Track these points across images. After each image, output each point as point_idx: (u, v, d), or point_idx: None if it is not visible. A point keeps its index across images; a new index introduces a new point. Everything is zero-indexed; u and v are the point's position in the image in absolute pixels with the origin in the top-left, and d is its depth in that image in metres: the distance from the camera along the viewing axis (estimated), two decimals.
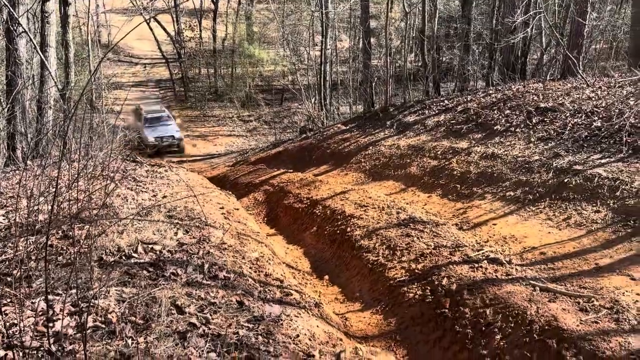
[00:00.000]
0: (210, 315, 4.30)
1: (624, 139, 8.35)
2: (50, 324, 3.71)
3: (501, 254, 6.62)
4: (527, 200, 8.12)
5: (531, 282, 5.54)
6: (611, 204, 7.04)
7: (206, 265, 5.27)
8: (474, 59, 17.63)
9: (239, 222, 7.99)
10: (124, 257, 5.15)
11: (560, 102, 10.94)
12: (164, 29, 29.27)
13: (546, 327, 4.70)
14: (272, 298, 5.07)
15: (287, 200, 10.94)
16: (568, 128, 9.60)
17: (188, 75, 29.92)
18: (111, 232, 5.58)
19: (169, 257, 5.37)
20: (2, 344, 3.46)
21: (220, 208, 8.37)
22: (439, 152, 11.31)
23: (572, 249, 6.46)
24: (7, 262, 4.62)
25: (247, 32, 30.90)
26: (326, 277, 7.49)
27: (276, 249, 8.12)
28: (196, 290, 4.69)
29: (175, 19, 28.89)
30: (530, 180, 8.50)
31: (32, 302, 4.00)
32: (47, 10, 9.79)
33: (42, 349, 3.49)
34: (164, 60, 30.52)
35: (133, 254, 5.23)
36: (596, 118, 9.52)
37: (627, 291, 5.20)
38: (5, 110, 8.89)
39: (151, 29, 28.33)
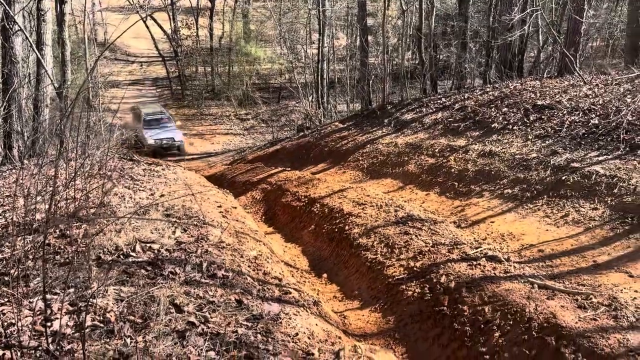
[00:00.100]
0: (209, 313, 4.29)
1: (621, 136, 8.37)
2: (48, 324, 3.69)
3: (499, 251, 6.62)
4: (524, 197, 8.13)
5: (529, 279, 5.55)
6: (609, 201, 7.06)
7: (205, 264, 5.25)
8: (471, 57, 17.63)
9: (237, 220, 7.97)
10: (122, 256, 5.13)
11: (558, 99, 10.95)
12: (161, 27, 29.16)
13: (545, 325, 4.71)
14: (270, 296, 5.06)
15: (285, 198, 10.93)
16: (565, 126, 9.61)
17: (185, 74, 29.82)
18: (109, 231, 5.56)
19: (167, 255, 5.35)
20: (0, 343, 3.45)
21: (218, 207, 8.36)
22: (436, 150, 11.31)
23: (570, 247, 6.47)
24: (4, 262, 4.60)
25: (244, 30, 30.82)
26: (325, 275, 7.49)
27: (274, 248, 8.11)
28: (195, 289, 4.68)
29: (171, 17, 28.78)
30: (528, 178, 8.51)
31: (29, 302, 3.98)
32: (43, 8, 9.74)
33: (40, 348, 3.47)
34: (160, 59, 30.41)
35: (131, 253, 5.22)
36: (593, 115, 9.53)
37: (625, 288, 5.21)
38: (2, 108, 8.85)
39: (147, 27, 28.21)
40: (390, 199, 9.37)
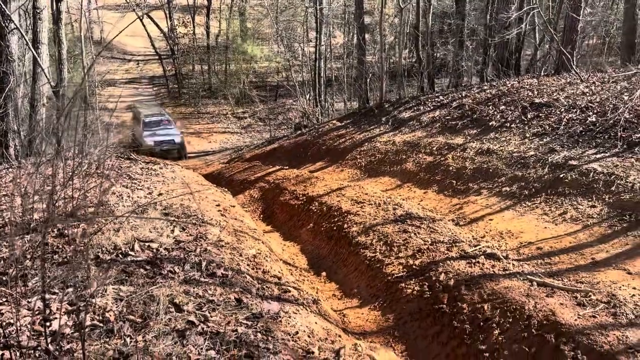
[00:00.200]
0: (209, 312, 4.27)
1: (619, 134, 8.39)
2: (47, 323, 3.67)
3: (498, 249, 6.64)
4: (523, 195, 8.14)
5: (528, 277, 5.56)
6: (607, 199, 7.07)
7: (204, 263, 5.24)
8: (468, 55, 17.65)
9: (235, 219, 7.96)
10: (120, 255, 5.11)
11: (555, 97, 10.97)
12: (157, 25, 29.07)
13: (544, 322, 4.72)
14: (270, 295, 5.05)
15: (283, 197, 10.92)
16: (563, 123, 9.63)
17: (181, 72, 29.75)
18: (107, 230, 5.54)
19: (166, 254, 5.33)
20: None
21: (217, 205, 8.34)
22: (434, 148, 11.32)
23: (569, 244, 6.49)
24: (2, 261, 4.57)
25: (241, 28, 30.75)
26: (323, 273, 7.48)
27: (273, 246, 8.10)
28: (194, 288, 4.66)
29: (168, 15, 28.69)
30: (525, 176, 8.53)
31: (28, 301, 3.96)
32: (39, 6, 9.67)
33: (39, 348, 3.45)
34: (157, 57, 30.32)
35: (130, 252, 5.19)
36: (591, 113, 9.56)
37: (623, 285, 5.23)
38: None
39: (144, 26, 28.12)
40: (388, 197, 9.38)
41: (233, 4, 30.44)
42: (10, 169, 8.28)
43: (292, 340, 4.21)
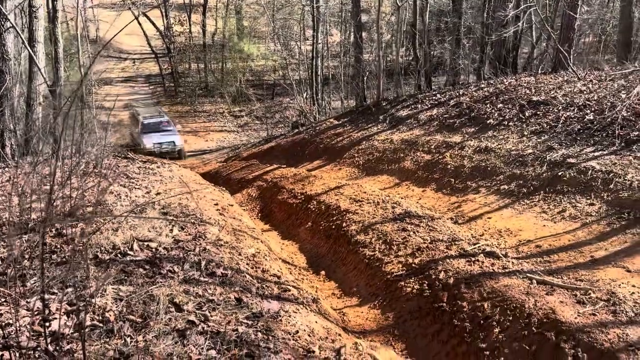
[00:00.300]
0: (209, 312, 4.26)
1: (617, 131, 8.41)
2: (47, 324, 3.65)
3: (497, 247, 6.64)
4: (521, 193, 8.15)
5: (528, 275, 5.56)
6: (605, 197, 7.09)
7: (203, 262, 5.22)
8: (465, 53, 17.66)
9: (234, 218, 7.94)
10: (119, 255, 5.08)
11: (553, 95, 10.99)
12: (153, 24, 28.95)
13: (544, 320, 4.72)
14: (270, 294, 5.04)
15: (281, 195, 10.90)
16: (561, 121, 9.64)
17: (178, 71, 29.65)
18: (106, 230, 5.51)
19: (165, 254, 5.31)
20: None
21: (215, 204, 8.31)
22: (432, 147, 11.32)
23: (568, 242, 6.50)
24: (0, 261, 4.54)
25: (237, 27, 30.66)
26: (323, 272, 7.47)
27: (272, 245, 8.08)
28: (194, 287, 4.64)
29: (164, 14, 28.58)
30: (524, 174, 8.54)
31: (27, 302, 3.93)
32: (34, 5, 9.61)
33: (39, 348, 3.43)
34: (153, 56, 30.22)
35: (129, 252, 5.17)
36: (588, 111, 9.57)
37: (623, 283, 5.24)
38: None
39: (140, 24, 27.97)
40: (387, 195, 9.37)
41: (229, 2, 30.35)
42: (7, 169, 8.22)
43: (293, 340, 4.20)
